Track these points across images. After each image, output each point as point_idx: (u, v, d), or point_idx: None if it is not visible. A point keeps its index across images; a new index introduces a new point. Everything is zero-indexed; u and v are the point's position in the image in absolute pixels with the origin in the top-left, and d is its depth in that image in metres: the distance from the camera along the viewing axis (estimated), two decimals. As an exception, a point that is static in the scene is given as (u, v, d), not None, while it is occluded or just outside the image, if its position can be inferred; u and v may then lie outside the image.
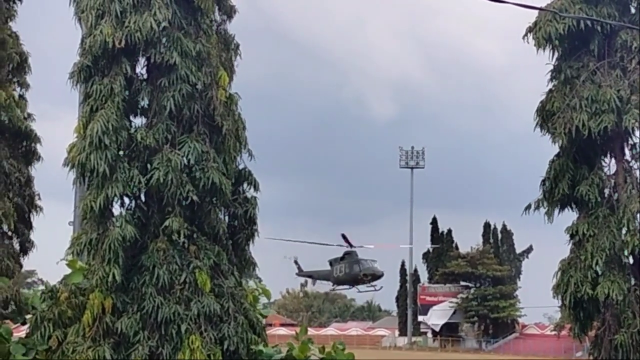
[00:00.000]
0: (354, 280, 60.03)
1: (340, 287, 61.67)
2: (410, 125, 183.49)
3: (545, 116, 36.88)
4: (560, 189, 36.66)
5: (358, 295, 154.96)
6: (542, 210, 37.67)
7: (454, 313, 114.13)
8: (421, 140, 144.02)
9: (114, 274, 29.16)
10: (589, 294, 35.60)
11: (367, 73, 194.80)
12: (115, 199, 30.47)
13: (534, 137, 37.54)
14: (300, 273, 66.19)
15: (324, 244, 58.67)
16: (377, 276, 60.18)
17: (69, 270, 30.32)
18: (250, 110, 35.20)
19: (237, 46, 34.32)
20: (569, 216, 37.63)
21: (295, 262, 66.45)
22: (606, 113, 34.88)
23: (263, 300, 33.52)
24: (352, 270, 59.22)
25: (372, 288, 61.30)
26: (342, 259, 60.28)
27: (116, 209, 30.96)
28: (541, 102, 37.41)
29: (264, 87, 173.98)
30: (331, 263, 61.38)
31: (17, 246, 46.24)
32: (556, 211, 37.44)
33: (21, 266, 47.42)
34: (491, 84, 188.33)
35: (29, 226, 46.32)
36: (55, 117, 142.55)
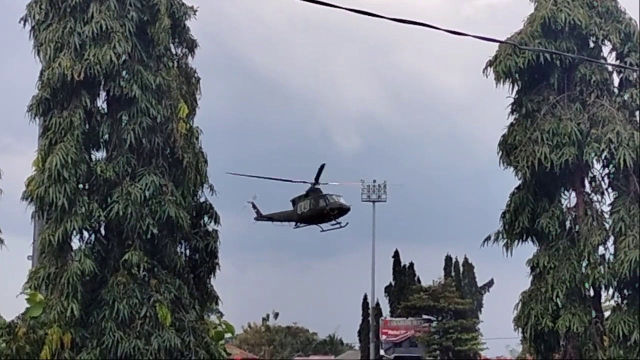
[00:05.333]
0: (319, 216, 56.59)
1: (304, 224, 58.20)
2: (375, 158, 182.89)
3: (508, 149, 36.89)
4: (520, 221, 36.62)
5: (320, 329, 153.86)
6: (502, 242, 37.59)
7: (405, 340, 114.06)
8: (387, 174, 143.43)
9: (72, 309, 28.85)
10: (549, 326, 35.53)
11: (333, 108, 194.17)
12: (75, 232, 30.19)
13: (499, 169, 37.60)
14: (259, 217, 61.26)
15: (288, 180, 55.82)
16: (344, 210, 56.83)
17: (26, 306, 29.96)
18: (214, 144, 35.05)
19: (198, 80, 34.25)
20: (529, 249, 37.57)
21: (253, 206, 60.07)
22: (567, 146, 34.95)
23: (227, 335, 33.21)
24: (317, 205, 55.92)
25: (338, 225, 58.00)
26: (306, 195, 57.23)
27: (75, 243, 30.73)
28: (503, 135, 37.45)
29: (229, 122, 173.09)
30: (294, 201, 57.77)
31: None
32: (515, 243, 37.40)
33: None
34: (456, 116, 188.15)
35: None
36: (20, 151, 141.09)
